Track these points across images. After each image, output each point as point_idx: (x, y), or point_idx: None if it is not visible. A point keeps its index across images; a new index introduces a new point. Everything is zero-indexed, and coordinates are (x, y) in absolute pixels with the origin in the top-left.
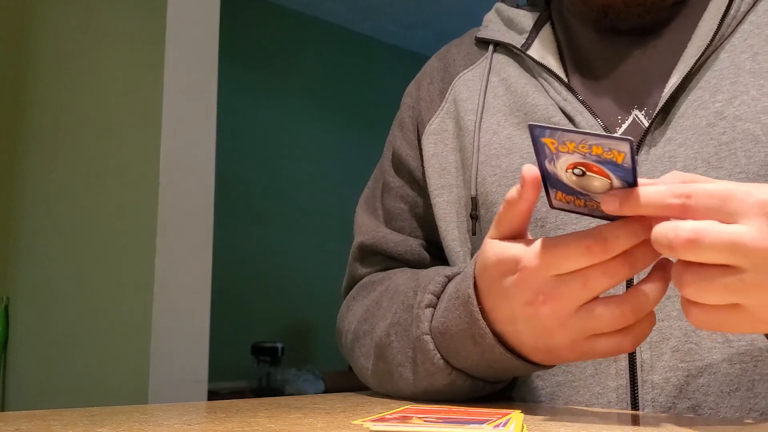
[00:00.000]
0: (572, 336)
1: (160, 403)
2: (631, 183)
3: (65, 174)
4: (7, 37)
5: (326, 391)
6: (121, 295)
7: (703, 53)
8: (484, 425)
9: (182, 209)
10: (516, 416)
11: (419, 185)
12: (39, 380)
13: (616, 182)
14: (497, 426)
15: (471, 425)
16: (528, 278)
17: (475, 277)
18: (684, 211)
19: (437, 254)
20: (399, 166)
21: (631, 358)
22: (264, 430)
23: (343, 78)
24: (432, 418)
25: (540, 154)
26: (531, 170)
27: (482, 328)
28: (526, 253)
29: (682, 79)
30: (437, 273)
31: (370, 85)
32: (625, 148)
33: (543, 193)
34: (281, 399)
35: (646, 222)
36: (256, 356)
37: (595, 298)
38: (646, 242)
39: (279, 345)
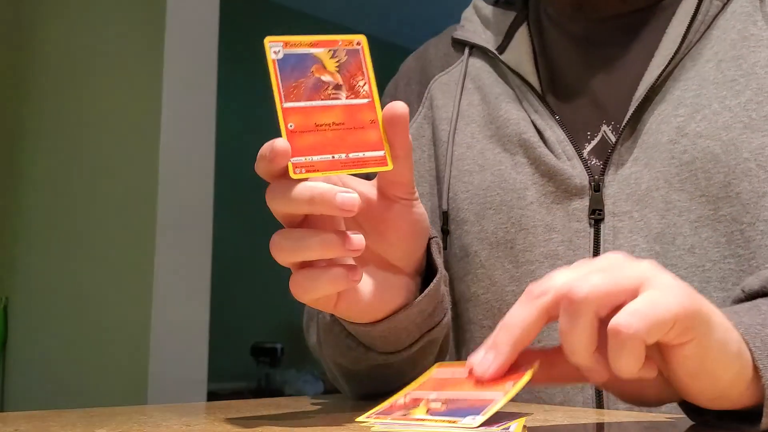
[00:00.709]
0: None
1: (160, 404)
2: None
3: (65, 174)
4: (6, 36)
5: (326, 391)
6: (121, 295)
7: (669, 62)
8: (492, 427)
9: (182, 209)
10: (520, 420)
11: None
12: (39, 380)
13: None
14: (501, 427)
15: (467, 417)
16: None
17: None
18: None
19: None
20: None
21: (598, 389)
22: (264, 430)
23: None
24: (443, 397)
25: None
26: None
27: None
28: None
29: (648, 91)
30: None
31: None
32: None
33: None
34: (281, 399)
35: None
36: (256, 357)
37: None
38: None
39: (279, 345)
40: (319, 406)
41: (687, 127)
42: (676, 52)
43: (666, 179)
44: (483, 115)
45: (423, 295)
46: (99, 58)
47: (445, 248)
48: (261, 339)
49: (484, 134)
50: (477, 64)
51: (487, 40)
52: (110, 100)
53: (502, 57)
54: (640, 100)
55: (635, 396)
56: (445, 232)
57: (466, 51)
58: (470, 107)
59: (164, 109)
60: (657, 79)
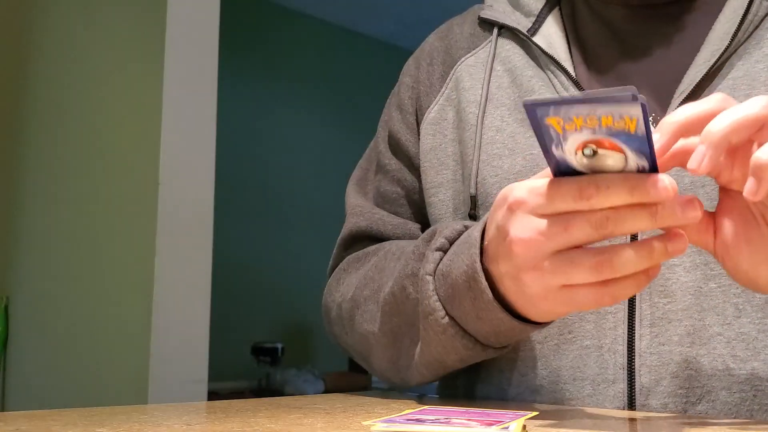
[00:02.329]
0: (545, 281)
1: (160, 403)
2: (648, 153)
3: (65, 174)
4: (6, 36)
5: (326, 391)
6: (121, 295)
7: (717, 59)
8: (492, 428)
9: (182, 209)
10: (520, 421)
11: (417, 171)
12: (39, 380)
13: (631, 156)
14: (501, 428)
15: (476, 428)
16: (511, 213)
17: (485, 222)
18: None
19: None
20: (396, 149)
21: (630, 382)
22: (264, 430)
23: (344, 78)
24: (442, 419)
25: (544, 137)
26: None
27: (477, 272)
28: (521, 187)
29: (694, 86)
30: (456, 222)
31: (371, 85)
32: (637, 111)
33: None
34: (281, 399)
35: (648, 181)
36: (256, 356)
37: (576, 247)
38: (640, 206)
39: (279, 345)
40: (319, 406)
41: None
42: (725, 50)
43: (711, 179)
44: (513, 98)
45: None
46: (99, 59)
47: None
48: (261, 338)
49: (515, 117)
50: (507, 46)
51: (518, 21)
52: (110, 101)
53: (534, 39)
54: (685, 95)
55: (749, 272)
56: (473, 217)
57: (495, 31)
58: (499, 90)
59: (165, 109)
60: (704, 75)
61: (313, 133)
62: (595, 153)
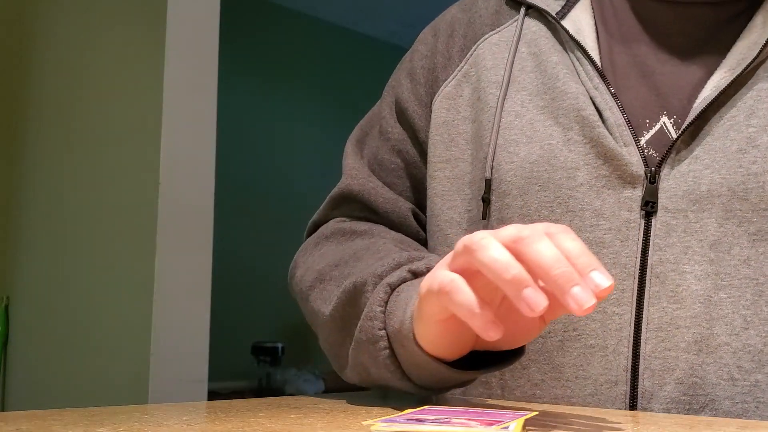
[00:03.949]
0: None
1: (160, 403)
2: None
3: (65, 174)
4: (6, 36)
5: (326, 391)
6: (121, 295)
7: (745, 69)
8: (491, 428)
9: (182, 209)
10: (520, 421)
11: (420, 146)
12: (39, 380)
13: None
14: (501, 428)
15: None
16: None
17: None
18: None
19: (423, 224)
20: (402, 118)
21: (633, 384)
22: (264, 430)
23: (344, 78)
24: (443, 418)
25: None
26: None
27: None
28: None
29: (718, 93)
30: (403, 266)
31: (371, 85)
32: None
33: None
34: (281, 399)
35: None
36: (256, 356)
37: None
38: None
39: (279, 345)
40: (319, 406)
41: (759, 138)
42: (754, 60)
43: (729, 187)
44: (536, 83)
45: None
46: (99, 59)
47: (483, 218)
48: (261, 338)
49: (536, 104)
50: (533, 27)
51: (547, 2)
52: (111, 101)
53: (562, 23)
54: (709, 101)
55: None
56: (486, 201)
57: (522, 11)
58: (522, 73)
59: (165, 109)
60: (730, 84)
61: (314, 132)
62: None
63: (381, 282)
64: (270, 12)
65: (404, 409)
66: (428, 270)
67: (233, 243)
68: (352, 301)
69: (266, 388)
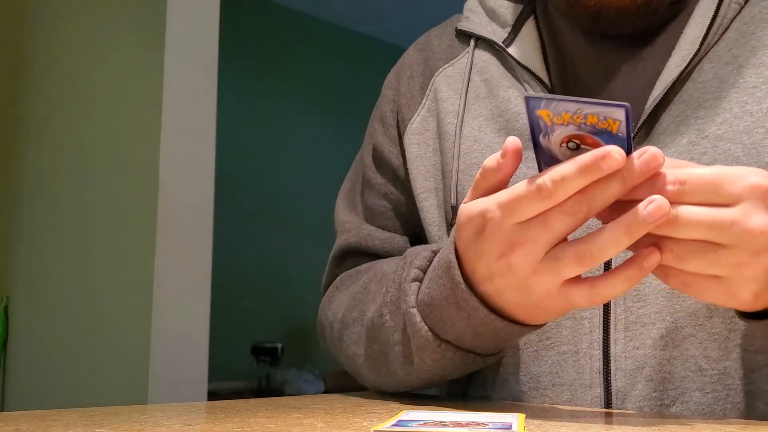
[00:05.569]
0: (545, 282)
1: (160, 403)
2: (627, 153)
3: (65, 174)
4: (6, 36)
5: (326, 391)
6: (121, 295)
7: (688, 64)
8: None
9: (182, 209)
10: (520, 417)
11: (402, 184)
12: (39, 380)
13: None
14: (501, 428)
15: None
16: (495, 230)
17: (455, 243)
18: (678, 197)
19: None
20: (381, 163)
21: (606, 386)
22: (264, 430)
23: (344, 78)
24: (440, 420)
25: (535, 128)
26: (514, 142)
27: (464, 292)
28: (490, 205)
29: (666, 91)
30: (423, 248)
31: (371, 85)
32: (621, 115)
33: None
34: (281, 399)
35: (597, 157)
36: (256, 356)
37: (563, 241)
38: (602, 180)
39: (279, 345)
40: (319, 406)
41: (707, 129)
42: (695, 54)
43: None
44: (490, 108)
45: None
46: (99, 59)
47: None
48: (261, 338)
49: (492, 128)
50: (483, 57)
51: (494, 32)
52: (111, 101)
53: (509, 50)
54: (658, 100)
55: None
56: (454, 226)
57: (472, 43)
58: (477, 100)
59: (165, 109)
60: (676, 79)
61: (314, 132)
62: (578, 147)
63: (403, 308)
64: (270, 12)
65: (402, 410)
66: (425, 257)
67: (233, 243)
68: (376, 337)
69: (266, 389)
